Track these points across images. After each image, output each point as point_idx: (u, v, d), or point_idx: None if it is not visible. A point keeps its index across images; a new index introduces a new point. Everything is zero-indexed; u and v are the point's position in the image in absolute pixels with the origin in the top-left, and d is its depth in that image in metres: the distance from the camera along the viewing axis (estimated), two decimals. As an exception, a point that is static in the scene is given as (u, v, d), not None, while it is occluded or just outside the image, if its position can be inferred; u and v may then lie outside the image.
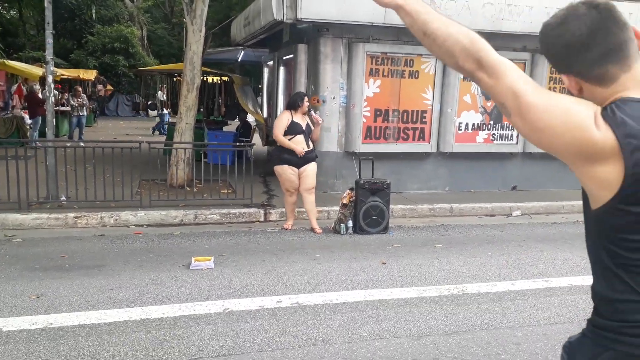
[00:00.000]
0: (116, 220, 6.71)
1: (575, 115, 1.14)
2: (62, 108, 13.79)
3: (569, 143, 1.14)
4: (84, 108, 13.40)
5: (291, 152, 6.32)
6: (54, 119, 7.37)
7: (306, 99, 6.54)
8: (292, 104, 6.45)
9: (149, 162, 7.73)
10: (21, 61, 18.96)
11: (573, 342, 1.34)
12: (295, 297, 4.13)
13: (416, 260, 5.31)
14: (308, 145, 6.43)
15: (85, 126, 19.28)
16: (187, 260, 4.98)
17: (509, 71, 1.16)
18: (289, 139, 6.33)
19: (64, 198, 7.12)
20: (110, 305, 3.87)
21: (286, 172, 6.39)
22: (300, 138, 6.36)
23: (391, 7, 1.28)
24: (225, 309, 3.86)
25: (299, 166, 6.39)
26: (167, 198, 7.29)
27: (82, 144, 9.07)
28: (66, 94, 15.75)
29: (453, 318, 3.82)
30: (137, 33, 26.57)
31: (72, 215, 6.59)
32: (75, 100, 13.25)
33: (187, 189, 7.94)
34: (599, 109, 1.15)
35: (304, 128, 6.40)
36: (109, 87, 24.22)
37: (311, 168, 6.51)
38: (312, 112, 6.81)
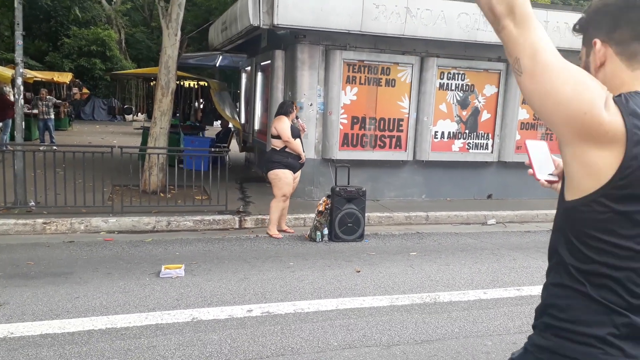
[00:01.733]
0: (86, 226, 6.56)
1: (588, 89, 1.08)
2: (27, 111, 13.48)
3: (572, 115, 1.08)
4: (50, 111, 13.07)
5: (295, 156, 6.47)
6: (23, 122, 7.17)
7: (295, 106, 6.72)
8: (286, 111, 6.55)
9: (123, 168, 7.60)
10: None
11: (515, 358, 1.32)
12: (267, 306, 4.07)
13: (390, 268, 5.30)
14: (303, 150, 6.63)
15: (60, 130, 18.96)
16: (158, 268, 4.88)
17: (537, 27, 1.11)
18: None
19: (32, 204, 6.94)
20: (75, 314, 3.76)
21: (288, 176, 6.47)
22: (299, 142, 6.54)
23: None
24: (194, 318, 3.78)
25: (295, 171, 6.57)
26: (139, 204, 7.16)
27: (54, 147, 8.86)
28: (32, 96, 15.38)
29: (424, 327, 3.80)
30: (115, 36, 26.22)
31: (40, 221, 6.41)
32: (42, 103, 12.95)
33: (161, 195, 7.82)
34: (610, 93, 1.11)
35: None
36: (85, 90, 23.80)
37: (299, 174, 6.78)
38: (299, 120, 6.99)
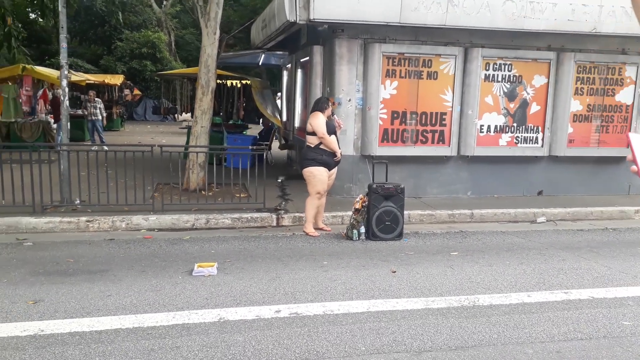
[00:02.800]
0: (128, 224, 6.69)
1: None
2: (76, 112, 14.04)
3: None
4: (98, 112, 13.55)
5: (330, 154, 6.37)
6: (69, 123, 7.40)
7: (330, 102, 6.63)
8: (321, 107, 6.46)
9: (167, 166, 7.71)
10: (54, 67, 19.44)
11: None
12: (295, 307, 3.96)
13: (428, 268, 5.08)
14: (339, 146, 6.51)
15: (113, 130, 19.69)
16: (191, 266, 4.88)
17: None
18: None
19: (78, 202, 7.15)
20: (105, 312, 3.79)
21: (323, 173, 6.37)
22: (334, 139, 6.42)
23: None
24: (221, 318, 3.72)
25: (330, 168, 6.46)
26: (179, 202, 7.24)
27: (94, 147, 9.12)
28: (82, 97, 15.99)
29: (460, 332, 3.58)
30: (165, 38, 26.95)
31: (84, 219, 6.59)
32: (90, 105, 13.44)
33: (202, 193, 7.89)
34: None
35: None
36: (137, 91, 24.62)
37: (335, 171, 6.66)
38: (335, 116, 6.89)
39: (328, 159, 6.36)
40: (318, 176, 6.34)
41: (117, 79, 19.52)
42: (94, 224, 6.60)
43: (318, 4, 7.17)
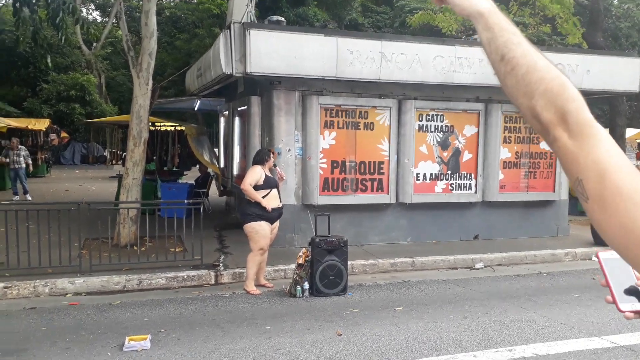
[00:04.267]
0: (51, 289, 6.15)
1: None
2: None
3: None
4: (21, 160, 12.74)
5: (272, 207, 6.17)
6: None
7: (272, 154, 6.50)
8: (261, 160, 6.34)
9: (96, 219, 7.24)
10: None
11: None
12: (238, 384, 3.70)
13: (374, 328, 4.96)
14: (280, 201, 6.38)
15: (38, 177, 18.53)
16: (122, 340, 4.49)
17: (602, 138, 0.83)
18: (265, 195, 6.17)
19: (-6, 265, 6.52)
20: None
21: (265, 228, 6.16)
22: (275, 193, 6.28)
23: (469, 14, 0.96)
24: (156, 405, 3.40)
25: (272, 222, 6.28)
26: (109, 262, 6.76)
27: (16, 198, 8.42)
28: (3, 142, 15.05)
29: (411, 403, 3.47)
30: (95, 80, 26.09)
31: (1, 285, 6.00)
32: (12, 152, 12.63)
33: (134, 248, 7.46)
34: None
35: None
36: (64, 134, 23.46)
37: (278, 225, 6.48)
38: (278, 168, 6.82)
39: (269, 213, 6.19)
40: (260, 231, 6.15)
41: (42, 124, 18.52)
42: (13, 290, 6.01)
43: (254, 58, 7.16)
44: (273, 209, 6.20)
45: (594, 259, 8.65)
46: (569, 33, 15.27)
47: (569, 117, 0.82)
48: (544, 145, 9.46)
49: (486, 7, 0.92)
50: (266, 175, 6.26)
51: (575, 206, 11.98)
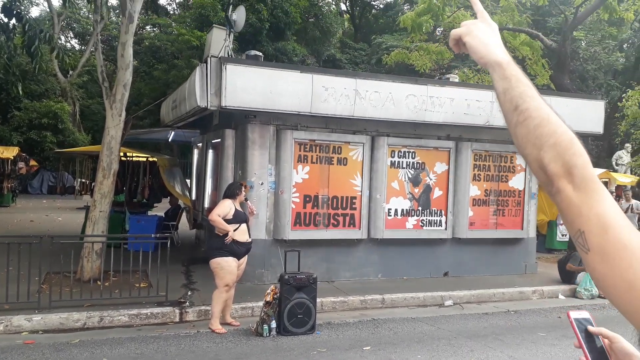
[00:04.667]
0: (6, 326, 5.88)
1: None
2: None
3: None
4: None
5: (239, 243, 6.09)
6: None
7: (243, 188, 6.47)
8: (232, 194, 6.28)
9: (61, 252, 7.00)
10: None
11: None
12: None
13: (340, 369, 4.87)
14: (249, 236, 6.31)
15: (2, 206, 17.98)
16: (77, 382, 4.30)
17: (605, 194, 0.85)
18: (234, 229, 6.06)
19: (-54, 301, 6.22)
20: None
21: (231, 264, 6.03)
22: (244, 227, 6.21)
23: (487, 62, 0.98)
24: None
25: (240, 257, 6.17)
26: (70, 298, 6.53)
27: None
28: None
29: None
30: (69, 109, 25.77)
31: (-48, 322, 5.71)
32: None
33: (97, 283, 7.22)
34: None
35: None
36: (33, 163, 22.93)
37: (245, 260, 6.37)
38: (249, 202, 6.77)
39: (237, 248, 6.09)
40: (226, 267, 6.03)
41: (10, 152, 18.08)
42: (-36, 328, 5.73)
43: (230, 92, 7.19)
44: (241, 244, 6.12)
45: (561, 297, 8.77)
46: (537, 74, 15.85)
47: (576, 171, 0.84)
48: (512, 183, 9.65)
49: (505, 59, 0.97)
50: (236, 209, 6.20)
51: (543, 244, 12.18)
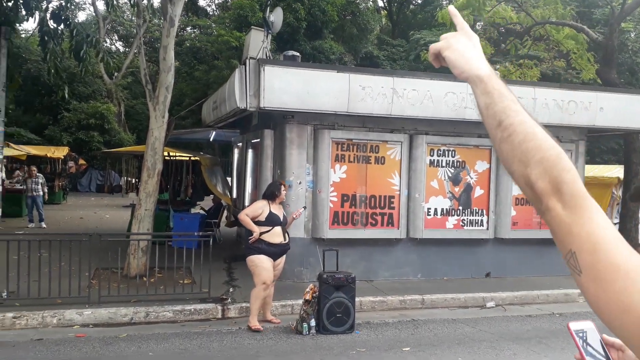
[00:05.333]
0: (59, 320, 6.17)
1: None
2: (14, 187, 13.43)
3: None
4: (39, 188, 13.00)
5: (270, 243, 6.09)
6: (0, 202, 6.94)
7: (283, 188, 6.42)
8: (270, 195, 6.28)
9: (110, 248, 7.30)
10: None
11: None
12: None
13: (379, 369, 4.88)
14: (285, 238, 6.25)
15: (54, 203, 18.81)
16: (125, 375, 4.48)
17: (595, 211, 0.80)
18: (267, 231, 6.08)
19: (5, 294, 6.58)
20: None
21: (265, 262, 6.06)
22: (278, 230, 6.16)
23: (468, 77, 0.95)
24: None
25: (275, 258, 6.18)
26: (118, 293, 6.78)
27: (31, 225, 8.51)
28: (20, 173, 15.38)
29: None
30: (114, 109, 26.69)
31: (10, 315, 6.04)
32: (31, 180, 12.92)
33: (143, 279, 7.48)
34: None
35: (281, 219, 6.24)
36: (82, 162, 23.91)
37: (284, 260, 6.40)
38: (303, 208, 6.78)
39: (267, 248, 6.07)
40: (260, 265, 6.05)
41: (61, 152, 18.94)
42: (21, 321, 6.05)
43: (268, 94, 7.29)
44: (273, 245, 6.10)
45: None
46: (583, 69, 15.30)
47: (565, 187, 0.80)
48: (557, 182, 9.35)
49: (486, 72, 0.93)
50: (270, 212, 6.15)
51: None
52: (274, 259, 6.17)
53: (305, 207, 6.74)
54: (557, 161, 0.81)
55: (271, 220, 6.12)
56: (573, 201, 0.79)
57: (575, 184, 0.81)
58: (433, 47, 1.01)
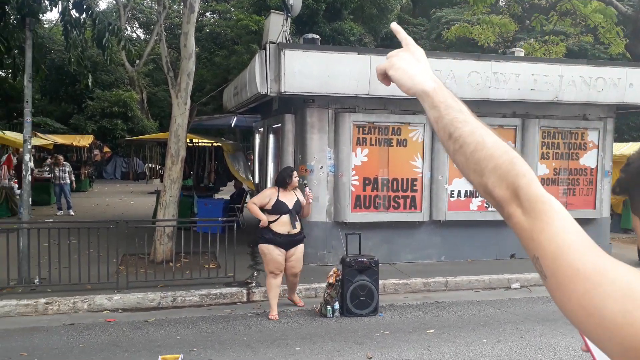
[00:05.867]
0: (90, 305, 6.35)
1: None
2: (42, 175, 13.78)
3: (629, 346, 0.71)
4: (66, 176, 13.27)
5: (277, 233, 5.92)
6: (30, 198, 7.11)
7: (295, 174, 6.16)
8: (281, 182, 6.05)
9: (136, 234, 7.45)
10: (22, 127, 19.13)
11: None
12: (265, 408, 3.72)
13: (405, 352, 4.90)
14: (294, 227, 5.98)
15: (80, 191, 19.23)
16: (155, 358, 4.59)
17: (556, 215, 0.79)
18: (274, 220, 5.94)
19: (37, 281, 6.79)
20: None
21: (272, 252, 5.92)
22: (285, 219, 5.93)
23: (415, 93, 0.97)
24: None
25: (286, 248, 5.99)
26: (145, 278, 6.93)
27: (60, 212, 8.72)
28: (50, 161, 15.71)
29: None
30: (137, 97, 26.98)
31: (43, 301, 6.23)
32: (58, 169, 13.19)
33: (169, 264, 7.63)
34: None
35: (290, 207, 5.98)
36: (107, 149, 24.32)
37: (300, 251, 6.14)
38: (308, 188, 6.35)
39: (274, 238, 5.91)
40: (267, 254, 5.95)
41: (86, 140, 19.29)
42: (54, 306, 6.24)
43: (289, 78, 7.26)
44: (280, 235, 5.94)
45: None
46: (611, 43, 14.83)
47: (521, 193, 0.80)
48: (583, 161, 9.17)
49: (431, 86, 0.93)
50: (278, 200, 5.95)
51: (618, 224, 11.54)
52: (285, 249, 5.99)
53: (306, 184, 6.50)
54: (511, 167, 0.81)
55: (277, 209, 5.93)
56: (531, 206, 0.78)
57: (531, 187, 0.80)
58: (379, 67, 1.01)
